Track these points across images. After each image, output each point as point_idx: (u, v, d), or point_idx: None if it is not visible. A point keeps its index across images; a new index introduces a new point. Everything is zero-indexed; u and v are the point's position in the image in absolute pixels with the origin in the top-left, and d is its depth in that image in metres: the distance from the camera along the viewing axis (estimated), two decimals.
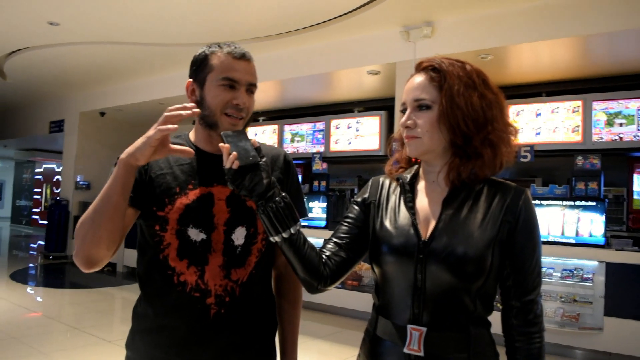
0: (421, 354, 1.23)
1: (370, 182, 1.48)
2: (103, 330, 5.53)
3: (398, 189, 1.40)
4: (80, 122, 10.82)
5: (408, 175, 1.39)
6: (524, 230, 1.26)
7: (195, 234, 1.41)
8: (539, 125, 6.33)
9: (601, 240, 5.00)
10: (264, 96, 8.25)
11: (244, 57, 1.43)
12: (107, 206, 1.27)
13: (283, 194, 1.25)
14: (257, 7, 5.64)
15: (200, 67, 1.44)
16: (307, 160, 8.43)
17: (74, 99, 10.88)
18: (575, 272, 5.05)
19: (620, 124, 5.85)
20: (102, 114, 10.61)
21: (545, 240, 5.20)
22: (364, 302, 6.00)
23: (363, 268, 6.32)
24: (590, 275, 4.96)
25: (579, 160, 5.39)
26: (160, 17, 6.08)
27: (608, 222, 5.22)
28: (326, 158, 7.84)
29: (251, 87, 1.44)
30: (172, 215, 1.41)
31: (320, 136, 8.41)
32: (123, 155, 1.26)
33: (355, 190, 8.53)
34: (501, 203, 1.27)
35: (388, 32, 6.09)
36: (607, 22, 4.79)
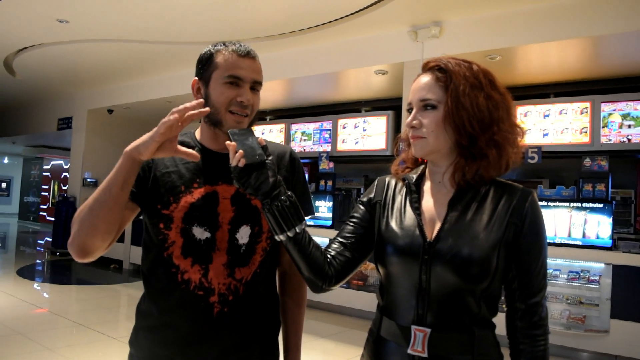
0: (425, 355, 1.23)
1: (376, 182, 1.48)
2: (108, 327, 5.55)
3: (404, 189, 1.40)
4: (88, 119, 10.87)
5: (414, 176, 1.39)
6: (530, 232, 1.25)
7: (200, 233, 1.41)
8: (546, 126, 6.30)
9: (608, 242, 4.97)
10: (271, 95, 8.26)
11: (248, 55, 1.43)
12: (106, 196, 1.27)
13: (289, 193, 1.25)
14: (265, 6, 5.65)
15: (205, 65, 1.44)
16: (313, 160, 8.43)
17: (82, 97, 10.93)
18: (581, 274, 5.03)
19: (629, 126, 5.82)
20: (110, 111, 10.65)
21: (551, 241, 5.17)
22: (369, 301, 5.99)
23: (368, 268, 6.31)
24: (596, 278, 4.94)
25: (587, 161, 5.36)
26: (168, 16, 6.10)
27: (615, 224, 5.20)
28: (333, 157, 7.84)
29: (256, 85, 1.44)
30: (176, 214, 1.41)
31: (327, 135, 8.41)
32: (128, 148, 1.26)
33: (362, 190, 8.53)
34: (507, 205, 1.26)
35: (396, 31, 6.08)
36: (616, 23, 4.76)
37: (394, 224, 1.34)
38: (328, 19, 5.93)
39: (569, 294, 5.06)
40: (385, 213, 1.38)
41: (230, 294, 1.42)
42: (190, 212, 1.42)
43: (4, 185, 24.00)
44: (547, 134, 6.29)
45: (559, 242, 5.18)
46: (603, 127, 5.96)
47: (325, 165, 7.39)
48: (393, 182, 1.44)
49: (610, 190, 5.31)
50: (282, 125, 9.08)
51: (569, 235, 5.17)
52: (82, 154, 10.89)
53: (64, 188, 16.42)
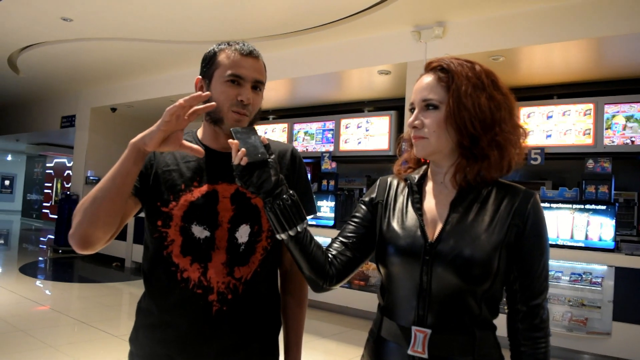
0: (425, 356, 1.22)
1: (378, 182, 1.47)
2: (110, 325, 5.56)
3: (406, 190, 1.40)
4: (92, 117, 10.89)
5: (416, 176, 1.39)
6: (532, 234, 1.25)
7: (199, 231, 1.42)
8: (549, 127, 6.29)
9: (611, 244, 4.96)
10: (274, 94, 8.27)
11: (251, 54, 1.43)
12: (110, 186, 1.27)
13: (291, 192, 1.25)
14: (269, 5, 5.65)
15: (208, 63, 1.45)
16: (316, 159, 8.43)
17: (86, 95, 10.95)
18: (584, 276, 5.02)
19: (632, 128, 5.81)
20: (113, 109, 10.67)
21: (554, 243, 5.17)
22: (371, 302, 5.99)
23: (370, 268, 6.31)
24: (599, 280, 4.93)
25: (590, 163, 5.35)
26: (171, 15, 6.11)
27: (618, 226, 5.19)
28: (335, 157, 7.84)
29: (258, 84, 1.44)
30: (176, 212, 1.42)
31: (329, 135, 8.41)
32: (133, 139, 1.26)
33: (364, 190, 8.52)
34: (509, 206, 1.26)
35: (399, 32, 6.08)
36: (620, 25, 4.75)
37: (395, 224, 1.34)
38: (331, 18, 5.93)
39: (571, 296, 5.05)
40: (387, 213, 1.38)
41: (229, 292, 1.42)
42: (189, 210, 1.42)
43: (7, 182, 24.05)
44: (550, 135, 6.28)
45: (562, 243, 5.18)
46: (606, 128, 5.95)
47: (327, 165, 7.38)
48: (395, 182, 1.44)
49: (613, 192, 5.30)
50: (285, 125, 9.08)
51: (572, 237, 5.16)
52: (85, 152, 10.91)
53: (66, 186, 16.49)
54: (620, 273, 4.80)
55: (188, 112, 1.24)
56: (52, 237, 12.11)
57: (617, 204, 5.18)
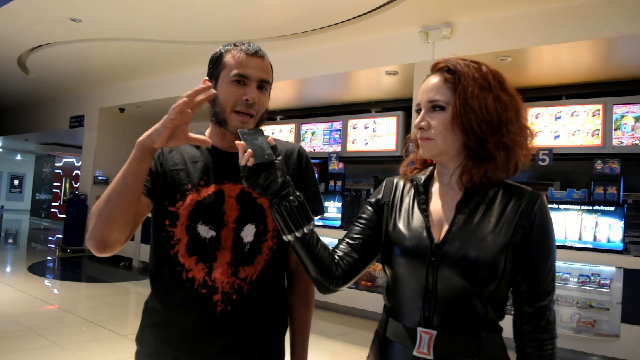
0: (430, 357, 1.22)
1: (384, 183, 1.47)
2: (117, 324, 5.58)
3: (412, 191, 1.39)
4: (100, 117, 10.95)
5: (422, 177, 1.38)
6: (539, 235, 1.24)
7: (205, 231, 1.42)
8: (558, 128, 6.26)
9: (619, 245, 4.93)
10: (282, 95, 8.28)
11: (257, 54, 1.44)
12: (121, 187, 1.28)
13: (297, 193, 1.25)
14: (277, 6, 5.66)
15: (215, 64, 1.46)
16: (323, 160, 8.43)
17: (94, 95, 11.01)
18: (592, 277, 4.99)
19: None
20: (122, 110, 10.72)
21: (562, 244, 5.15)
22: (377, 302, 5.98)
23: (377, 269, 6.30)
24: (607, 281, 4.90)
25: (598, 164, 5.32)
26: (180, 15, 6.13)
27: (627, 228, 5.15)
28: (342, 158, 7.84)
29: (264, 84, 1.44)
30: (182, 211, 1.42)
31: (337, 136, 8.41)
32: (141, 138, 1.27)
33: (371, 191, 8.52)
34: (516, 207, 1.25)
35: (407, 32, 6.07)
36: (629, 25, 4.72)
37: (401, 225, 1.34)
38: (339, 19, 5.93)
39: (579, 298, 5.02)
40: (393, 214, 1.38)
41: (233, 292, 1.42)
42: (195, 209, 1.42)
43: (16, 182, 24.24)
44: (558, 136, 6.25)
45: (570, 245, 5.15)
46: (615, 129, 5.91)
47: (334, 166, 7.38)
48: (401, 183, 1.44)
49: (622, 193, 5.27)
50: (292, 125, 9.09)
51: (580, 239, 5.14)
52: (94, 152, 10.97)
53: (75, 186, 16.57)
54: (629, 275, 4.77)
55: (192, 103, 1.24)
56: (61, 236, 12.17)
57: (625, 205, 5.15)
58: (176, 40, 7.06)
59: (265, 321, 1.49)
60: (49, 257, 10.88)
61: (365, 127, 8.08)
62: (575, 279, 5.08)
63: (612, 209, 5.04)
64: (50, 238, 14.47)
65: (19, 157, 23.13)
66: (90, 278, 8.97)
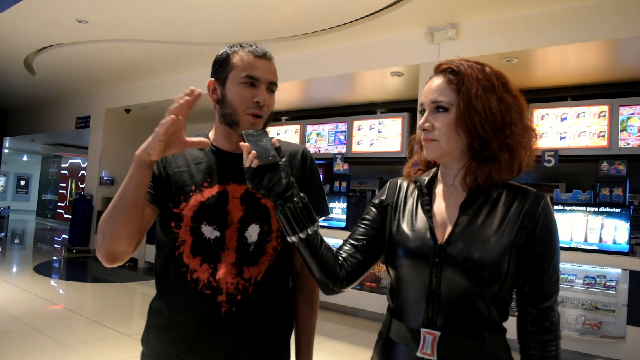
0: (434, 358, 1.22)
1: (388, 184, 1.47)
2: (122, 325, 5.60)
3: (416, 192, 1.39)
4: (106, 118, 10.99)
5: (426, 178, 1.39)
6: (543, 236, 1.24)
7: (209, 232, 1.42)
8: (563, 129, 6.24)
9: (625, 247, 4.91)
10: (287, 96, 8.28)
11: (265, 56, 1.44)
12: (123, 202, 1.29)
13: (301, 195, 1.26)
14: (282, 7, 5.67)
15: (222, 66, 1.46)
16: (328, 161, 8.43)
17: (100, 96, 11.05)
18: (597, 279, 4.98)
19: None
20: (127, 111, 10.75)
21: (567, 246, 5.13)
22: (382, 304, 5.98)
23: (382, 270, 6.30)
24: (613, 283, 4.88)
25: (604, 165, 5.30)
26: (185, 17, 6.14)
27: (633, 230, 5.13)
28: (347, 159, 7.83)
29: (272, 86, 1.45)
30: (186, 212, 1.43)
31: (342, 137, 8.41)
32: (138, 151, 1.27)
33: (376, 192, 8.48)
34: (519, 208, 1.25)
35: (412, 33, 6.07)
36: (635, 26, 4.70)
37: (405, 227, 1.34)
38: (344, 20, 5.93)
39: (585, 300, 5.01)
40: (397, 215, 1.38)
41: (238, 293, 1.42)
42: (199, 210, 1.43)
43: (22, 182, 24.35)
44: (564, 138, 6.23)
45: (575, 246, 5.14)
46: (621, 130, 5.89)
47: (339, 167, 7.38)
48: (405, 184, 1.44)
49: (628, 194, 5.25)
50: (298, 126, 9.09)
51: (585, 240, 5.12)
52: (100, 152, 11.01)
53: (81, 186, 16.61)
54: (635, 276, 4.75)
55: (180, 114, 1.24)
56: (67, 237, 12.22)
57: (631, 207, 5.12)
58: (182, 41, 7.08)
59: (270, 322, 1.49)
60: (54, 258, 10.93)
61: (371, 128, 8.07)
62: (581, 281, 5.06)
63: (618, 210, 5.02)
64: (56, 238, 14.52)
65: (25, 158, 23.23)
66: (95, 278, 9.00)
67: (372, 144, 8.03)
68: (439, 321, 1.24)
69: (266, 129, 1.39)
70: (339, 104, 8.79)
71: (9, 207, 14.97)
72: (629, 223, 4.94)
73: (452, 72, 1.30)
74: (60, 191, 20.09)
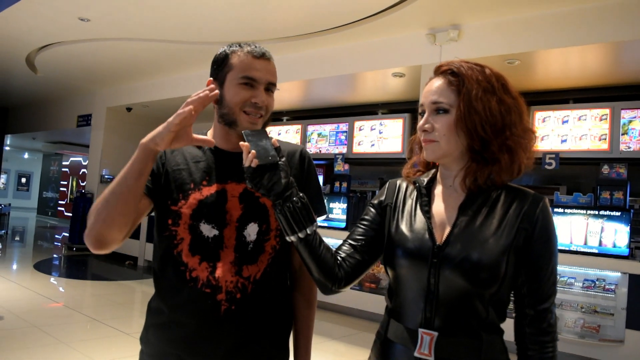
0: (432, 358, 1.22)
1: (387, 185, 1.48)
2: (122, 323, 5.61)
3: (415, 193, 1.40)
4: (107, 117, 10.99)
5: (425, 179, 1.39)
6: (541, 238, 1.24)
7: (208, 230, 1.42)
8: (565, 132, 6.24)
9: (625, 251, 4.91)
10: (288, 96, 8.28)
11: (263, 57, 1.44)
12: (122, 188, 1.28)
13: (301, 194, 1.26)
14: (284, 7, 5.67)
15: (220, 66, 1.46)
16: (329, 161, 8.43)
17: (102, 94, 11.06)
18: (597, 282, 4.97)
19: None
20: (129, 109, 10.76)
21: (567, 249, 5.13)
22: (381, 304, 5.93)
23: (381, 271, 6.30)
24: (612, 287, 4.88)
25: (605, 168, 5.30)
26: (187, 16, 6.15)
27: (633, 233, 5.12)
28: (348, 159, 7.84)
29: (270, 87, 1.45)
30: (185, 210, 1.43)
31: (343, 137, 8.41)
32: (144, 140, 1.28)
33: (377, 193, 8.50)
34: (518, 210, 1.26)
35: (414, 34, 6.06)
36: (638, 29, 4.69)
37: (404, 227, 1.34)
38: (346, 21, 5.94)
39: (584, 303, 5.00)
40: (396, 216, 1.38)
41: (237, 292, 1.42)
42: (198, 209, 1.43)
43: (23, 180, 24.37)
44: (565, 140, 6.23)
45: (575, 249, 5.13)
46: (623, 134, 5.89)
47: (340, 167, 7.38)
48: (404, 185, 1.44)
49: (628, 198, 5.24)
50: (299, 126, 9.10)
51: (585, 243, 5.12)
52: (101, 151, 11.02)
53: (82, 184, 16.63)
54: (635, 280, 4.75)
55: (197, 109, 1.26)
56: (67, 234, 12.23)
57: (632, 211, 5.12)
58: (184, 40, 7.08)
59: (270, 320, 1.49)
60: (55, 255, 10.95)
61: (372, 129, 8.07)
62: (580, 284, 5.06)
63: (619, 214, 5.02)
64: (56, 236, 14.53)
65: (26, 156, 23.27)
66: (95, 276, 9.01)
67: (373, 145, 8.03)
68: (437, 321, 1.24)
69: (266, 129, 1.39)
70: (340, 104, 8.79)
71: (9, 204, 14.96)
72: (629, 226, 4.94)
73: (452, 74, 1.30)
74: (61, 189, 20.11)
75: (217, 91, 1.29)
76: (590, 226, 5.12)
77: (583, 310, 4.97)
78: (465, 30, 5.70)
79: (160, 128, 1.26)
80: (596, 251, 5.04)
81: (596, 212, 5.12)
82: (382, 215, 1.41)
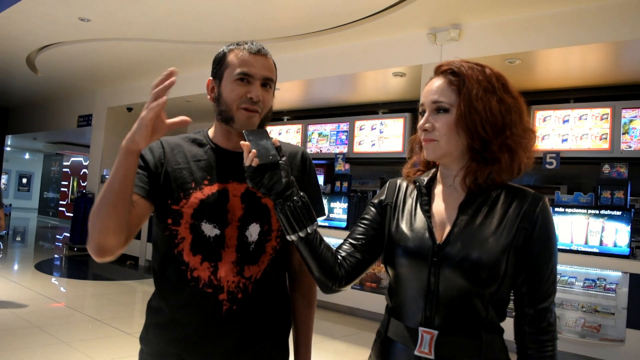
0: (432, 357, 1.23)
1: (387, 184, 1.48)
2: (123, 323, 5.61)
3: (415, 192, 1.40)
4: (108, 117, 10.99)
5: (425, 179, 1.39)
6: (541, 237, 1.24)
7: (209, 230, 1.42)
8: (565, 132, 6.24)
9: (626, 250, 4.91)
10: (289, 95, 8.28)
11: (259, 53, 1.45)
12: (110, 194, 1.27)
13: (301, 194, 1.27)
14: (285, 7, 5.67)
15: (218, 64, 1.47)
16: (330, 161, 8.43)
17: (103, 94, 11.06)
18: (597, 282, 4.97)
19: None
20: (130, 109, 10.76)
21: (568, 249, 5.12)
22: (382, 304, 5.92)
23: (382, 270, 6.30)
24: (613, 286, 4.88)
25: (606, 168, 5.29)
26: (188, 15, 6.15)
27: (633, 233, 5.13)
28: (349, 159, 7.83)
29: (267, 82, 1.45)
30: (186, 210, 1.42)
31: (343, 137, 8.41)
32: (124, 143, 1.25)
33: (377, 192, 8.50)
34: (518, 209, 1.26)
35: (415, 34, 6.06)
36: (639, 29, 4.69)
37: (404, 226, 1.34)
38: (347, 20, 5.93)
39: (585, 302, 5.00)
40: (396, 215, 1.39)
41: (239, 292, 1.42)
42: (199, 208, 1.43)
43: (24, 180, 24.38)
44: (566, 140, 6.22)
45: (576, 249, 5.13)
46: (623, 133, 5.89)
47: (341, 167, 7.38)
48: (404, 184, 1.45)
49: (629, 197, 5.24)
50: (299, 126, 9.09)
51: (586, 243, 5.12)
52: (101, 151, 11.02)
53: (83, 184, 16.65)
54: (635, 280, 4.75)
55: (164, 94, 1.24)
56: (68, 235, 12.23)
57: (632, 210, 5.12)
58: (185, 40, 7.08)
59: (270, 320, 1.49)
60: (56, 255, 10.95)
61: (372, 129, 8.07)
62: (581, 284, 5.06)
63: (619, 213, 5.01)
64: (57, 236, 14.54)
65: (27, 156, 23.27)
66: (96, 276, 9.01)
67: (373, 145, 8.03)
68: (437, 320, 1.24)
69: (266, 129, 1.40)
70: (341, 104, 8.79)
71: (10, 204, 14.98)
72: (629, 226, 4.94)
73: (452, 73, 1.30)
74: (62, 189, 20.11)
75: (173, 69, 1.26)
76: (591, 226, 5.12)
77: (584, 309, 4.97)
78: (466, 30, 5.69)
79: (135, 127, 1.23)
80: (597, 251, 5.04)
81: (597, 212, 5.12)
82: (383, 215, 1.42)
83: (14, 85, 11.29)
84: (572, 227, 5.20)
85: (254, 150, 1.23)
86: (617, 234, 4.98)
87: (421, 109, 1.35)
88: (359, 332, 5.86)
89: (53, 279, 8.38)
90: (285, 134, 9.17)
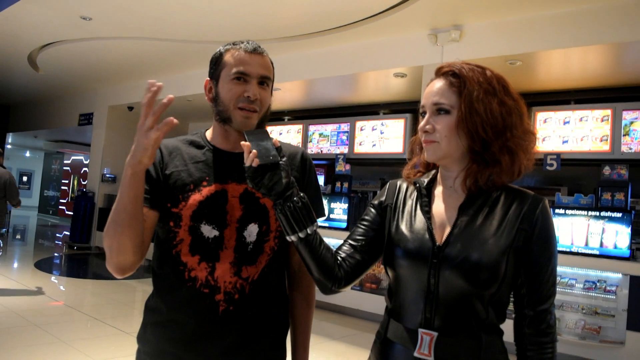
0: (431, 358, 1.23)
1: (387, 185, 1.48)
2: (122, 322, 5.61)
3: (415, 193, 1.40)
4: (109, 115, 11.00)
5: (425, 180, 1.39)
6: (540, 239, 1.24)
7: (208, 231, 1.42)
8: (566, 133, 6.24)
9: (626, 252, 4.90)
10: (290, 95, 8.29)
11: (255, 51, 1.45)
12: (123, 216, 1.28)
13: (301, 194, 1.27)
14: (286, 7, 5.67)
15: (215, 64, 1.48)
16: (330, 161, 8.43)
17: (104, 93, 11.06)
18: (598, 284, 4.97)
19: None
20: (131, 108, 10.77)
21: (568, 250, 5.12)
22: (382, 305, 5.92)
23: (382, 271, 6.30)
24: (613, 288, 4.87)
25: (606, 170, 5.29)
26: (189, 15, 6.15)
27: (634, 235, 5.12)
28: (350, 159, 7.83)
29: (264, 80, 1.45)
30: (185, 212, 1.42)
31: (344, 137, 8.41)
32: (128, 165, 1.26)
33: (378, 193, 8.49)
34: (518, 211, 1.26)
35: (416, 35, 6.06)
36: (639, 30, 4.69)
37: (404, 227, 1.34)
38: (348, 20, 5.94)
39: (585, 304, 5.00)
40: (396, 216, 1.38)
41: (236, 292, 1.42)
42: (198, 210, 1.43)
43: (25, 178, 24.37)
44: (566, 141, 6.22)
45: (576, 251, 5.13)
46: (624, 135, 5.88)
47: (341, 167, 7.38)
48: (404, 185, 1.45)
49: (629, 199, 5.23)
50: (300, 126, 9.09)
51: (586, 244, 5.11)
52: (102, 149, 11.03)
53: (83, 183, 16.65)
54: (635, 282, 4.74)
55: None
56: (68, 233, 12.23)
57: (633, 212, 5.11)
58: (186, 39, 7.09)
59: (267, 320, 1.49)
60: (55, 254, 10.95)
61: (373, 129, 8.07)
62: (581, 285, 5.05)
63: (620, 215, 5.01)
64: (57, 235, 14.55)
65: (28, 154, 23.28)
66: (96, 275, 9.01)
67: (374, 145, 8.03)
68: (436, 322, 1.24)
69: (266, 129, 1.39)
70: (341, 104, 8.79)
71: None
72: (630, 228, 4.93)
73: (453, 75, 1.30)
74: (63, 188, 20.13)
75: (159, 84, 1.27)
76: (591, 227, 5.12)
77: (584, 311, 4.97)
78: (467, 31, 5.69)
79: (140, 148, 1.25)
80: (597, 252, 5.03)
81: (597, 214, 5.12)
82: (382, 216, 1.42)
83: (15, 83, 11.30)
84: (573, 229, 5.20)
85: (254, 151, 1.22)
86: (618, 235, 4.98)
87: (422, 111, 1.35)
88: (358, 333, 5.86)
89: (52, 278, 8.38)
90: (286, 134, 9.17)
